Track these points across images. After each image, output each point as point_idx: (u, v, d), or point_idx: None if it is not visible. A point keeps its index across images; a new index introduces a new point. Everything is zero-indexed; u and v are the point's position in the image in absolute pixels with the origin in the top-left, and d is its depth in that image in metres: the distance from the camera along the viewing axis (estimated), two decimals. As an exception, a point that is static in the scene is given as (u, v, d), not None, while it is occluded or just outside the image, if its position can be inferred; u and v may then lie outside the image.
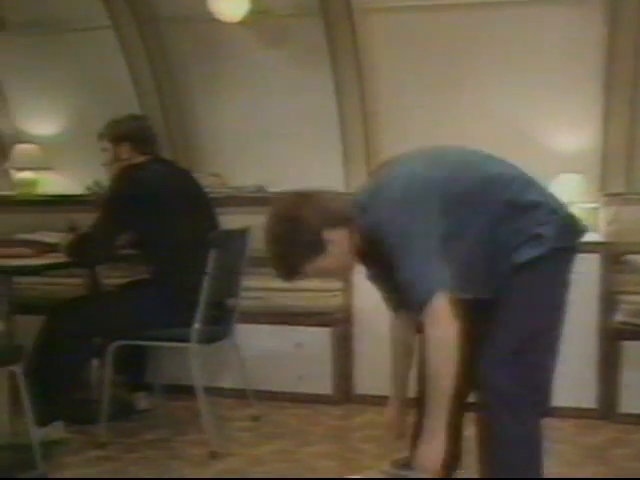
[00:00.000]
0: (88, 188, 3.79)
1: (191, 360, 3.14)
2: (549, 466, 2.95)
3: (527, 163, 3.87)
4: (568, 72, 3.87)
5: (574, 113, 3.92)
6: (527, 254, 2.11)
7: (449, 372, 1.96)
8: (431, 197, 2.06)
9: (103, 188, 3.58)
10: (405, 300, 2.07)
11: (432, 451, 2.05)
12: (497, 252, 2.13)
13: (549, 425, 3.43)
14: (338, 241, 2.07)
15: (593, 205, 3.88)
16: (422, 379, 2.21)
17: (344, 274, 2.30)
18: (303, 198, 2.09)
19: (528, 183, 2.22)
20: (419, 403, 2.28)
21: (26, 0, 4.53)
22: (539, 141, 3.96)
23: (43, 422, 3.07)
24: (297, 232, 2.05)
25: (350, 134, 4.19)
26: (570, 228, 2.22)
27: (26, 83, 4.83)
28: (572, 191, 3.81)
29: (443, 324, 1.96)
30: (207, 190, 3.65)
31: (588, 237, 3.66)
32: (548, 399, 2.25)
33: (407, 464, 2.32)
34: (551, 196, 2.25)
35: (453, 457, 2.43)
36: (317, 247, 2.06)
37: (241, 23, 4.16)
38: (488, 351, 2.13)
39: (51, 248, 3.35)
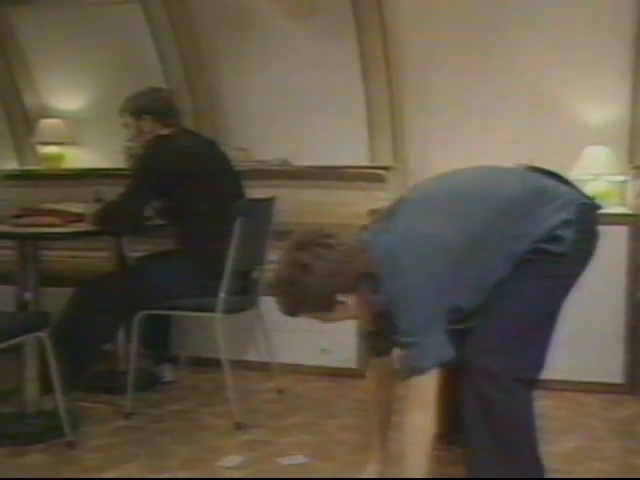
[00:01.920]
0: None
1: (217, 330, 3.15)
2: (577, 440, 2.97)
3: (555, 135, 3.89)
4: (597, 43, 3.81)
5: (603, 84, 3.85)
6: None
7: (424, 452, 2.06)
8: (441, 255, 2.05)
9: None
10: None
11: None
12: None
13: (576, 400, 3.45)
14: (348, 304, 2.11)
15: (621, 178, 3.83)
16: None
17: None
18: (325, 250, 2.06)
19: (539, 193, 2.17)
20: None
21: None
22: (567, 113, 3.90)
23: (68, 390, 3.07)
24: (309, 286, 2.06)
25: (375, 107, 4.14)
26: (588, 231, 2.19)
27: (51, 58, 4.84)
28: (600, 163, 3.76)
29: (425, 408, 2.05)
30: (234, 162, 3.66)
31: (616, 209, 3.66)
32: (536, 374, 2.24)
33: None
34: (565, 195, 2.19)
35: (452, 425, 2.46)
36: (325, 305, 2.11)
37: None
38: (483, 336, 2.14)
39: (77, 217, 3.37)
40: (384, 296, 2.09)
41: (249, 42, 4.40)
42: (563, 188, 2.22)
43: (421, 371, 2.04)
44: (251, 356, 3.82)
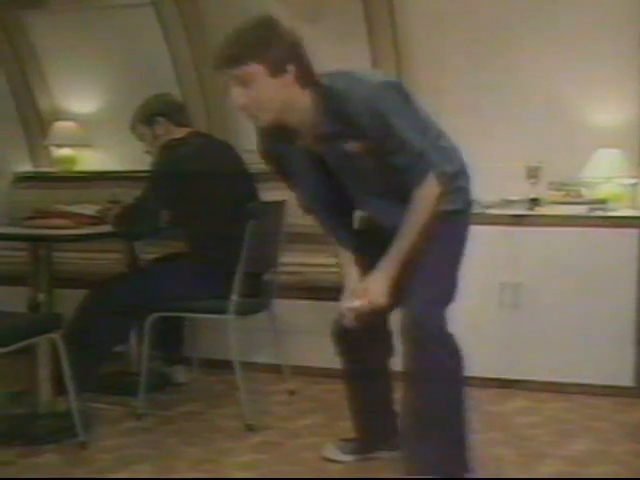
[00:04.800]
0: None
1: (229, 332, 3.17)
2: (587, 443, 2.97)
3: (566, 138, 3.89)
4: (608, 46, 3.80)
5: (614, 87, 3.85)
6: (449, 206, 2.37)
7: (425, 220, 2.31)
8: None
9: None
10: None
11: (379, 282, 2.34)
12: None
13: (586, 403, 3.45)
14: (291, 83, 2.22)
15: (632, 180, 3.83)
16: None
17: (255, 119, 2.33)
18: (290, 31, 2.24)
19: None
20: None
21: (64, -23, 4.59)
22: (578, 116, 3.91)
23: (81, 391, 3.07)
24: (269, 38, 2.21)
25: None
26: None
27: (65, 61, 4.89)
28: (611, 166, 3.77)
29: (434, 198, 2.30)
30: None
31: (627, 212, 3.66)
32: None
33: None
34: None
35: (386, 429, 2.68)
36: (275, 67, 2.20)
37: (277, -1, 4.17)
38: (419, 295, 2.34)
39: (90, 219, 3.40)
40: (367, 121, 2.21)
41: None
42: None
43: (442, 174, 2.30)
44: (263, 358, 3.83)
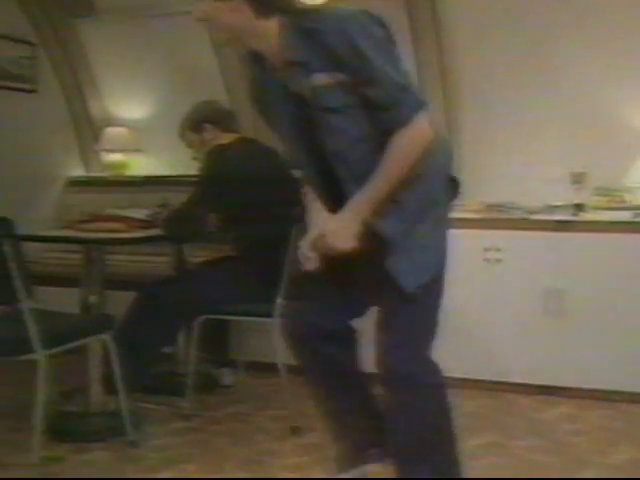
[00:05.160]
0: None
1: (274, 335, 3.21)
2: (630, 452, 2.96)
3: (610, 144, 3.86)
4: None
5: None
6: None
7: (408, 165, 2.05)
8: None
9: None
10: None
11: (345, 225, 2.09)
12: None
13: (629, 411, 3.42)
14: (241, 9, 2.04)
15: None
16: None
17: (227, 42, 2.21)
18: None
19: None
20: None
21: (113, -16, 4.70)
22: (622, 121, 3.88)
23: (130, 391, 3.15)
24: None
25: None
26: None
27: (116, 68, 4.99)
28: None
29: (424, 141, 2.04)
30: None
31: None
32: None
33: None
34: None
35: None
36: None
37: (325, 5, 4.21)
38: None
39: (140, 223, 3.48)
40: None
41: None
42: None
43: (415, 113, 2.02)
44: None
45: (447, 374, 2.22)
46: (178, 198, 3.53)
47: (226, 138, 3.60)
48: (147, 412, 3.39)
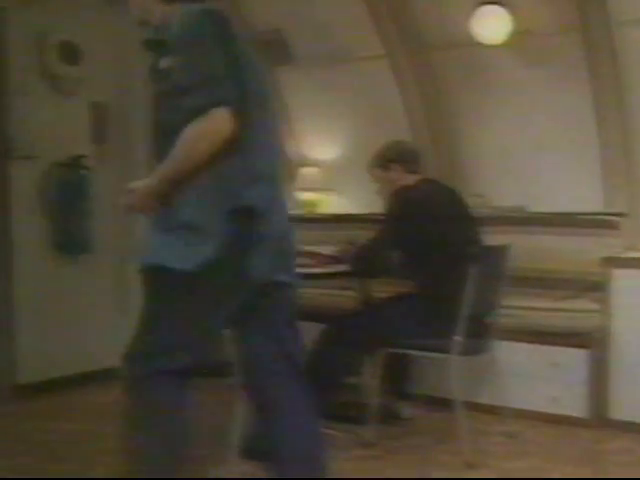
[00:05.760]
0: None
1: (451, 371, 3.31)
2: None
3: None
4: None
5: None
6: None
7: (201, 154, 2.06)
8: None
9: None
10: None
11: (141, 192, 2.17)
12: None
13: None
14: None
15: None
16: None
17: (140, 22, 2.33)
18: None
19: None
20: None
21: (310, 34, 5.02)
22: None
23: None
24: None
25: (609, 152, 4.12)
26: None
27: (310, 111, 5.31)
28: None
29: (218, 131, 2.04)
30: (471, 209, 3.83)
31: None
32: None
33: None
34: None
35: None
36: None
37: (503, 45, 4.31)
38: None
39: (329, 259, 3.68)
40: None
41: (485, 90, 4.58)
42: None
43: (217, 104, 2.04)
44: (484, 399, 3.88)
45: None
46: (364, 236, 3.72)
47: (410, 179, 3.74)
48: (329, 437, 3.53)
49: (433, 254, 3.56)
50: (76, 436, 3.69)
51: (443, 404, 3.55)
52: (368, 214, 4.52)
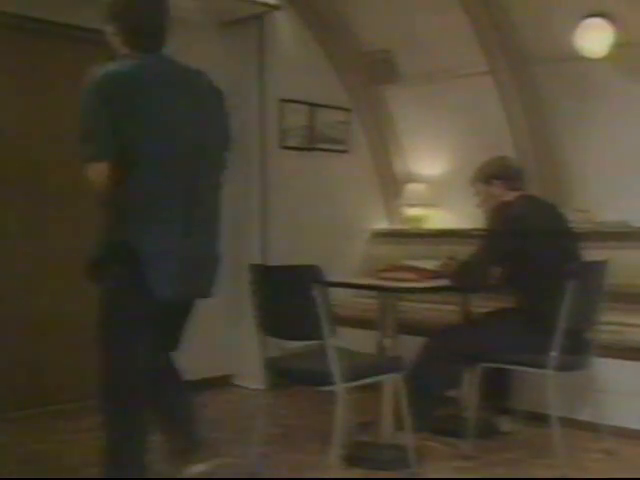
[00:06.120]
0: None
1: (547, 386, 3.33)
2: None
3: None
4: None
5: None
6: None
7: None
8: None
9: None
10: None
11: None
12: None
13: None
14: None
15: None
16: None
17: None
18: None
19: None
20: None
21: (415, 52, 5.13)
22: None
23: (417, 429, 3.41)
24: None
25: None
26: None
27: (417, 128, 5.40)
28: None
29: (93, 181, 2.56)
30: (572, 225, 3.84)
31: None
32: None
33: None
34: None
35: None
36: None
37: (606, 58, 4.29)
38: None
39: (431, 274, 3.76)
40: None
41: (588, 104, 4.54)
42: None
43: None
44: (582, 415, 3.87)
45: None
46: (466, 251, 3.79)
47: (511, 195, 3.79)
48: (430, 449, 3.66)
49: (531, 269, 3.60)
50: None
51: (542, 419, 3.56)
52: (471, 229, 4.58)
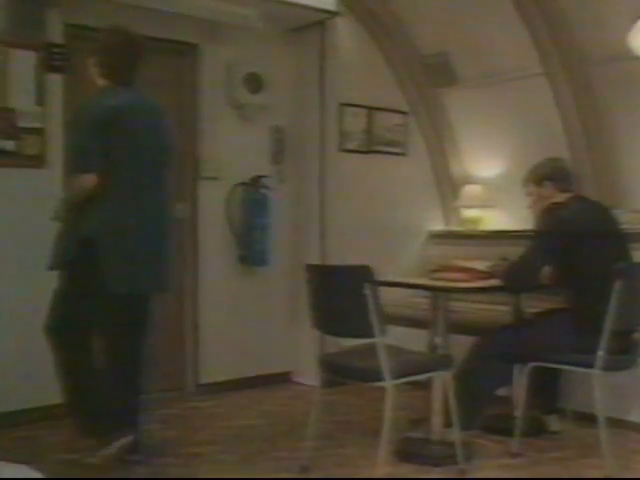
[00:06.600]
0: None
1: (594, 386, 3.34)
2: None
3: None
4: None
5: None
6: None
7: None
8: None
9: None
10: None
11: None
12: None
13: None
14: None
15: None
16: None
17: None
18: None
19: None
20: None
21: (472, 56, 5.19)
22: None
23: (465, 427, 3.49)
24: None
25: None
26: None
27: (473, 130, 5.45)
28: None
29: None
30: (624, 225, 3.84)
31: None
32: None
33: None
34: None
35: None
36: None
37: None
38: None
39: (482, 274, 3.80)
40: None
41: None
42: None
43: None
44: (631, 416, 3.85)
45: None
46: (519, 252, 3.80)
47: (561, 197, 3.80)
48: (479, 446, 3.71)
49: (580, 270, 3.62)
50: (245, 430, 4.10)
51: (591, 419, 3.54)
52: (522, 230, 4.58)
